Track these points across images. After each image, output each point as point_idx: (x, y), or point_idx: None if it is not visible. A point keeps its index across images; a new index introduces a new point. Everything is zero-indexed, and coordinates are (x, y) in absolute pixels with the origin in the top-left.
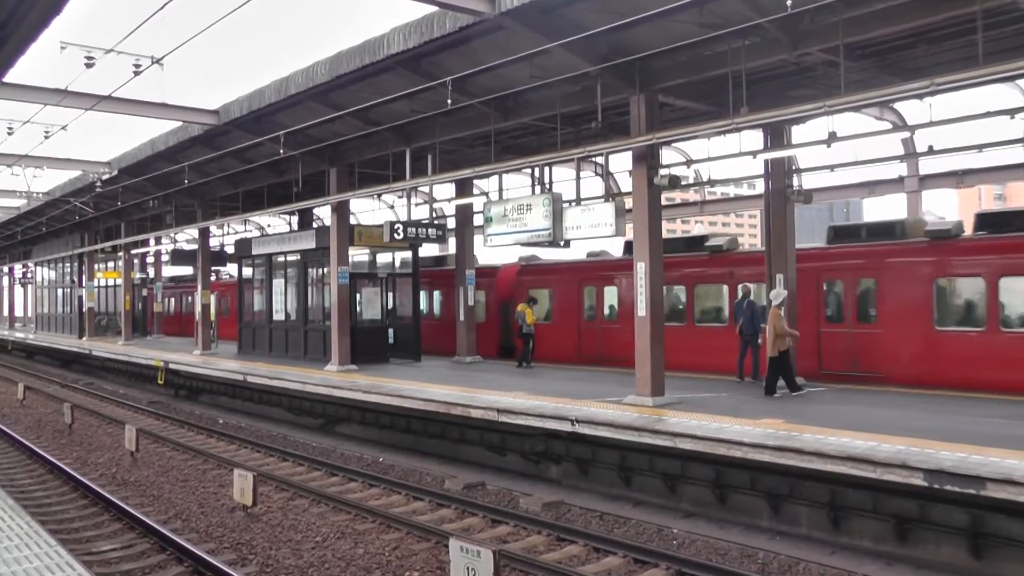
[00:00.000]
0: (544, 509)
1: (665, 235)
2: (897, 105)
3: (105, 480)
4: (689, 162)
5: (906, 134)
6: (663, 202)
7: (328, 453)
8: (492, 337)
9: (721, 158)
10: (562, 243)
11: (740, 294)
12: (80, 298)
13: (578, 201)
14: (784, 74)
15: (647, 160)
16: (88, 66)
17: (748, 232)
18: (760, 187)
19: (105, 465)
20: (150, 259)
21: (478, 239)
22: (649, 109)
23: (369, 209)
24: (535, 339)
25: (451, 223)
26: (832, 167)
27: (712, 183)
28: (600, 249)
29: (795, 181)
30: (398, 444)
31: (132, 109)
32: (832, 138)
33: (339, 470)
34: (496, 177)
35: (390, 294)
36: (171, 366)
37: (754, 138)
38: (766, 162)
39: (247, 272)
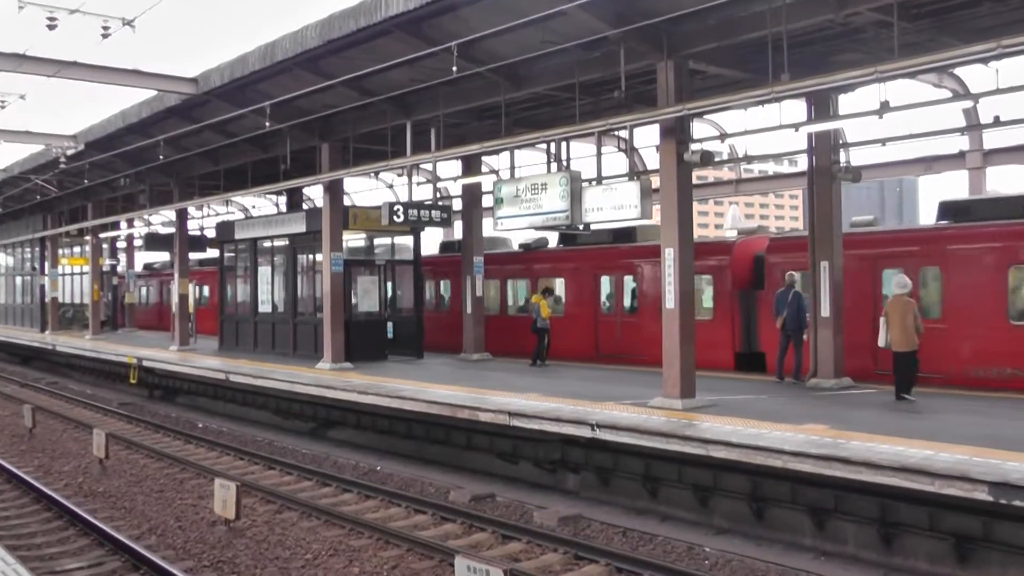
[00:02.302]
0: (560, 524)
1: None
2: (958, 71)
3: (71, 491)
4: (723, 136)
5: (968, 103)
6: (694, 181)
7: (320, 461)
8: (724, 342)
9: (759, 131)
10: (581, 226)
11: (786, 282)
12: (42, 287)
13: (599, 180)
14: (830, 36)
15: (676, 134)
16: (50, 28)
17: (789, 215)
18: (802, 164)
19: (71, 474)
20: (121, 244)
21: (487, 222)
22: (678, 77)
23: (365, 189)
24: (550, 334)
25: (457, 205)
26: (884, 141)
27: (749, 159)
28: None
29: (842, 157)
30: (398, 451)
31: (100, 76)
32: (884, 108)
33: (332, 480)
34: (507, 153)
35: (389, 283)
36: (145, 363)
37: (796, 109)
38: (809, 136)
39: (229, 259)
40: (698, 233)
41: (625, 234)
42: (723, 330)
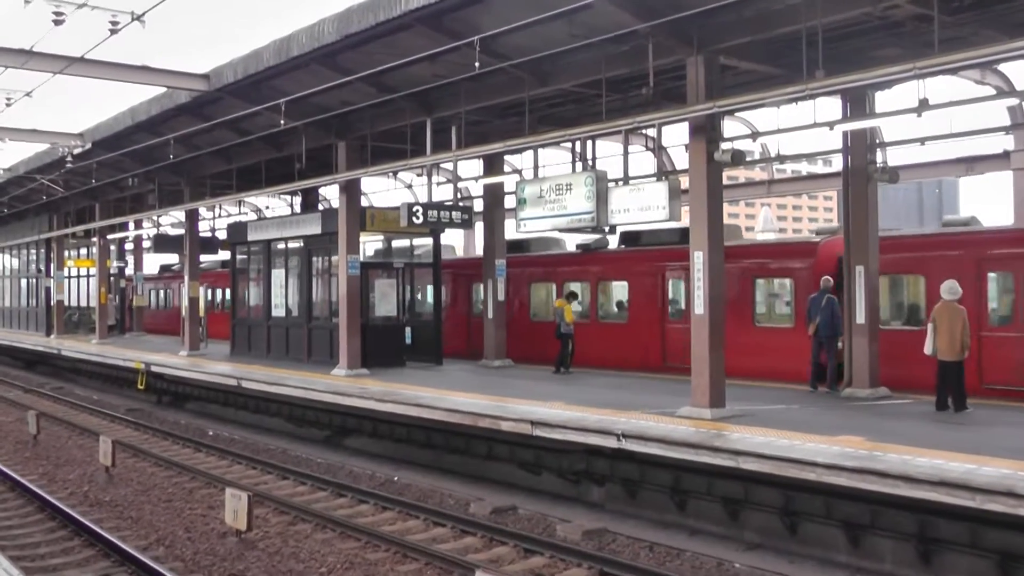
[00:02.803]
0: (585, 538)
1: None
2: (1002, 66)
3: (76, 499)
4: (755, 135)
5: (1013, 101)
6: (724, 181)
7: (335, 470)
8: (807, 352)
9: (792, 130)
10: (607, 228)
11: (820, 286)
12: (48, 290)
13: (626, 180)
14: (867, 31)
15: (706, 132)
16: (57, 23)
17: (823, 217)
18: (837, 164)
19: (76, 482)
20: (129, 245)
21: (509, 223)
22: (709, 73)
23: (383, 189)
24: (574, 340)
25: (478, 205)
26: (923, 140)
27: (782, 159)
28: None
29: (879, 157)
30: (416, 460)
31: (108, 73)
32: (923, 106)
33: (347, 490)
34: (530, 152)
35: (408, 287)
36: (153, 368)
37: (831, 106)
38: (845, 134)
39: (242, 261)
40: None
41: None
42: (807, 339)
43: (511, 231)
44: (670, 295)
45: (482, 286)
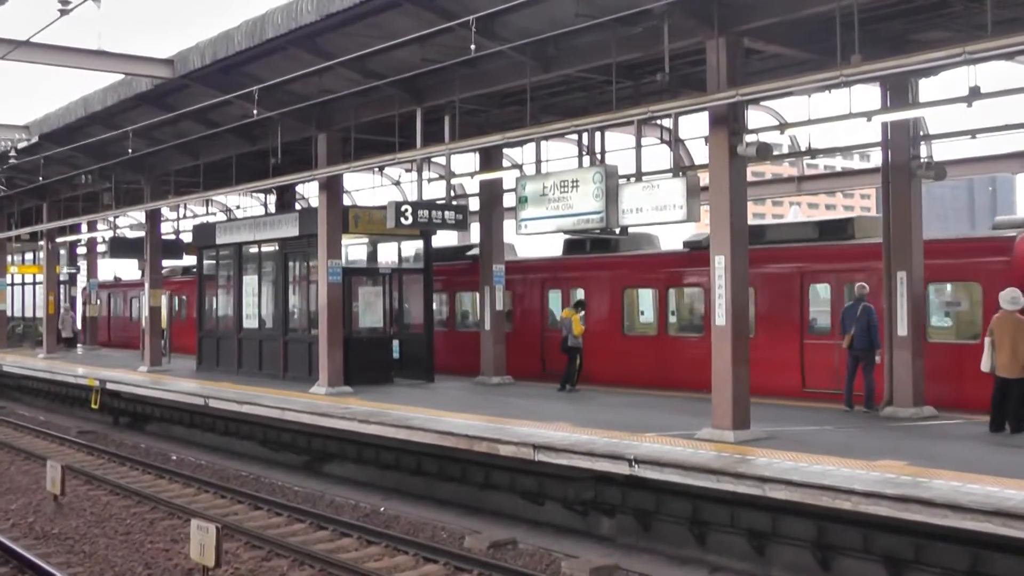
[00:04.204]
0: (593, 575)
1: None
2: None
3: (19, 532)
4: (783, 126)
5: None
6: (749, 177)
7: (314, 500)
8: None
9: (824, 121)
10: (617, 230)
11: (855, 294)
12: None
13: (639, 176)
14: (909, 11)
15: (728, 123)
16: None
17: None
18: (876, 159)
19: (19, 512)
20: (81, 250)
21: (508, 224)
22: (731, 57)
23: (368, 187)
24: (582, 355)
25: (474, 204)
26: (974, 133)
27: (813, 153)
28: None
29: (923, 151)
30: (405, 489)
31: (58, 58)
32: (974, 95)
33: (328, 522)
34: (532, 145)
35: (396, 296)
36: (109, 386)
37: (869, 95)
38: (884, 126)
39: (209, 267)
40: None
41: (837, 228)
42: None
43: (510, 234)
44: (812, 306)
45: (477, 294)
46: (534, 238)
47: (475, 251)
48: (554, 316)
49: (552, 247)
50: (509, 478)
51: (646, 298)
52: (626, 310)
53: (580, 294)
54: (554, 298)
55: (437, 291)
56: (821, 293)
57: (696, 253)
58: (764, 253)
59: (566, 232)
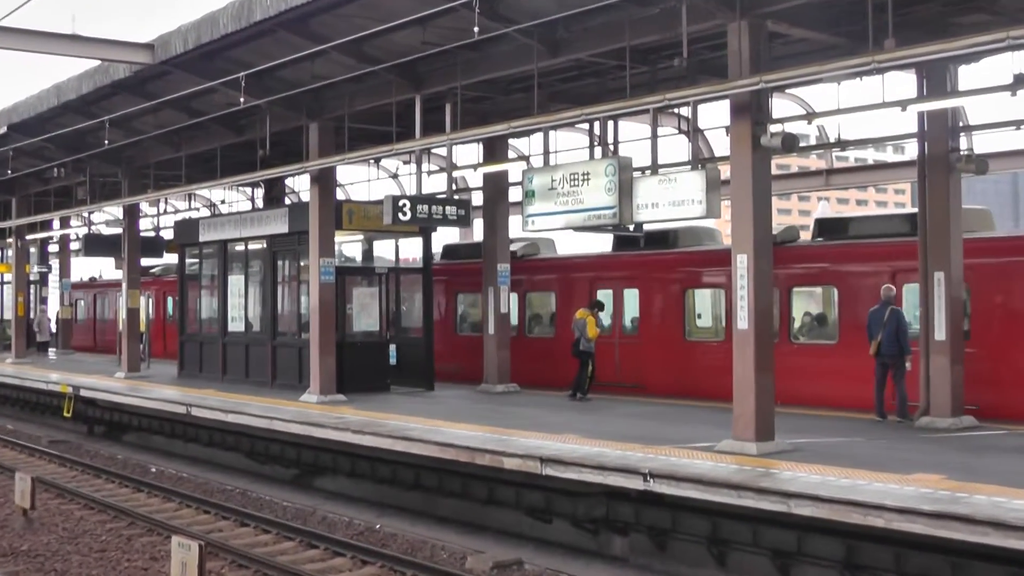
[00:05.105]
0: None
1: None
2: None
3: None
4: (810, 116)
5: None
6: (773, 170)
7: (304, 516)
8: None
9: (855, 110)
10: (631, 227)
11: (881, 297)
12: None
13: (654, 169)
14: None
15: (751, 112)
16: None
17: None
18: (911, 151)
19: None
20: (53, 247)
21: (514, 220)
22: (755, 41)
23: (364, 180)
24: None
25: (477, 199)
26: (1018, 124)
27: (843, 145)
28: None
29: (962, 143)
30: (402, 505)
31: (29, 43)
32: (1019, 83)
33: (320, 540)
34: (540, 135)
35: (392, 297)
36: (83, 393)
37: (903, 83)
38: (921, 116)
39: (192, 266)
40: None
41: None
42: None
43: (516, 228)
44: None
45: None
46: (577, 233)
47: (512, 247)
48: (600, 319)
49: (600, 243)
50: (514, 493)
51: (709, 299)
52: (689, 313)
53: (634, 295)
54: (605, 298)
55: (466, 293)
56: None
57: (779, 249)
58: (847, 250)
59: (575, 229)
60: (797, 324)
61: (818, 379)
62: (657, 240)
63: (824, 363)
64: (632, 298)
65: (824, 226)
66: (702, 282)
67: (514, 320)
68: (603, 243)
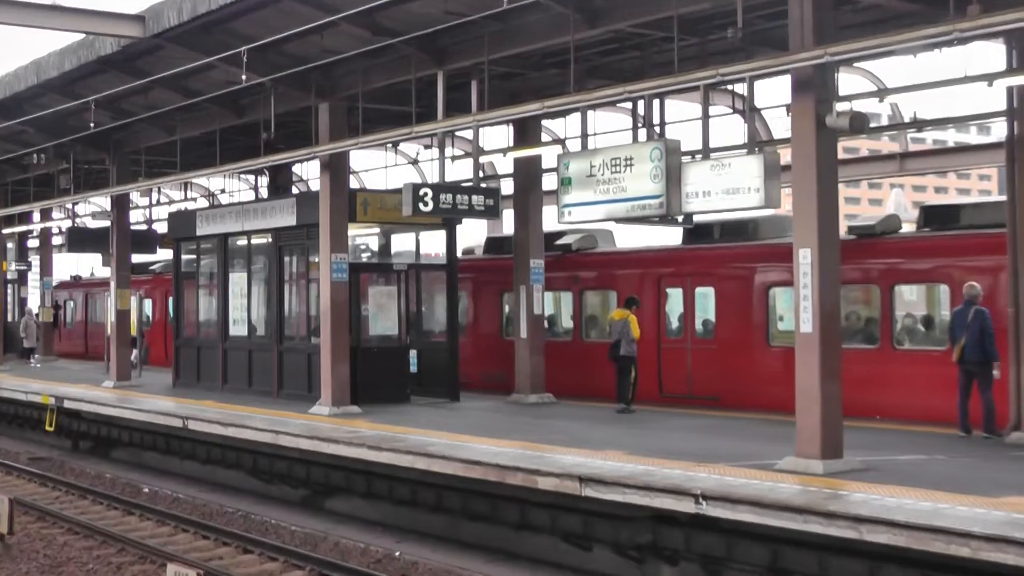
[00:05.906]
0: None
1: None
2: None
3: None
4: (882, 92)
5: None
6: (840, 154)
7: (315, 541)
8: None
9: (934, 86)
10: (680, 218)
11: (965, 296)
12: None
13: (706, 153)
14: None
15: (815, 89)
16: None
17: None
18: (998, 131)
19: None
20: (34, 242)
21: (548, 211)
22: (818, 9)
23: (380, 167)
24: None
25: (507, 187)
26: None
27: (919, 125)
28: None
29: None
30: (424, 529)
31: (6, 15)
32: None
33: (332, 569)
34: (577, 116)
35: (413, 297)
36: (67, 404)
37: (989, 54)
38: (1010, 92)
39: (188, 262)
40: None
41: None
42: None
43: (551, 221)
44: None
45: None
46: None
47: (565, 240)
48: (669, 321)
49: (667, 235)
50: (549, 517)
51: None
52: (772, 315)
53: (709, 295)
54: (674, 297)
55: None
56: None
57: (865, 242)
58: (963, 241)
59: (617, 220)
60: (898, 327)
61: (927, 390)
62: (735, 231)
63: (936, 372)
64: (706, 298)
65: (932, 214)
66: (788, 279)
67: (568, 323)
68: (671, 235)
